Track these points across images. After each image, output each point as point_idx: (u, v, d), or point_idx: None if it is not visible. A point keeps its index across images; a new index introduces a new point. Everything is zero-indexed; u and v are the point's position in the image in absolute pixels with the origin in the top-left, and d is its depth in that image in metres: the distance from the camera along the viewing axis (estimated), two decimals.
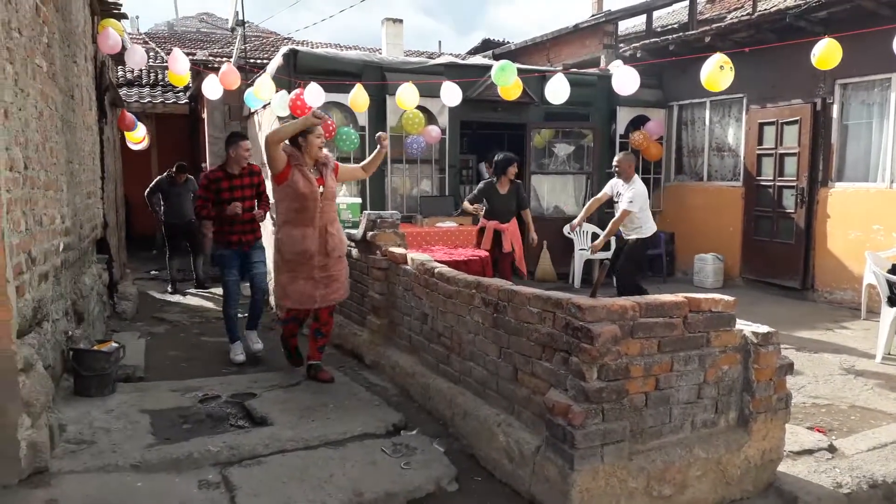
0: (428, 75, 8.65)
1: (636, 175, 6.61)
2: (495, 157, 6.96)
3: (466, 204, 6.96)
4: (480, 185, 6.95)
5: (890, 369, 5.28)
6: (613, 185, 6.70)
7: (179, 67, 7.31)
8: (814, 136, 8.14)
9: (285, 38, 16.71)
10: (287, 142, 4.37)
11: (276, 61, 8.53)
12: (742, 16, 9.95)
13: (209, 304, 8.01)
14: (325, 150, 4.58)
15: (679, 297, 3.08)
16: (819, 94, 8.09)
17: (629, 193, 6.48)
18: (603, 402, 2.84)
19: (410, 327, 4.68)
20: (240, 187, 5.38)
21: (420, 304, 4.50)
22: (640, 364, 2.94)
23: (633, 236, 6.56)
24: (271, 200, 6.24)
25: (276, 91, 7.80)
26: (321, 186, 4.43)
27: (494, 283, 3.71)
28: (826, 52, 5.87)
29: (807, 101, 8.20)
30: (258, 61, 11.89)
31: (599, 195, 6.82)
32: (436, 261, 4.69)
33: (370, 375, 4.87)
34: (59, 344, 4.05)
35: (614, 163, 6.73)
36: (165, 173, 9.10)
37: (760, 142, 8.85)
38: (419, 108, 8.21)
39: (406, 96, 7.62)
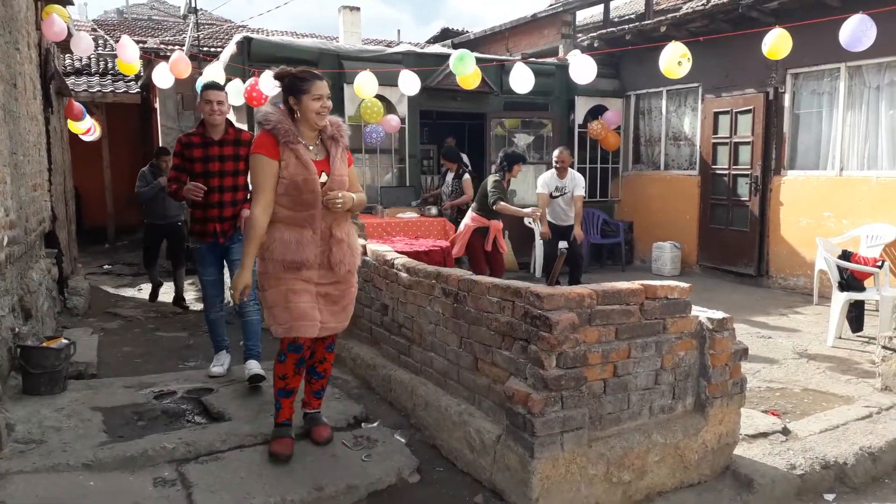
0: (386, 64, 8.58)
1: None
2: (502, 152, 6.79)
3: (508, 206, 6.49)
4: (494, 181, 6.46)
5: (841, 353, 5.44)
6: (549, 182, 6.89)
7: (129, 55, 7.08)
8: (767, 125, 8.32)
9: (239, 26, 16.37)
10: (270, 107, 3.21)
11: (230, 49, 8.35)
12: (697, 6, 10.08)
13: (164, 298, 7.82)
14: (331, 118, 3.25)
15: (636, 284, 3.11)
16: (771, 84, 8.27)
17: (581, 182, 6.85)
18: (562, 389, 2.85)
19: (371, 319, 4.64)
20: (217, 158, 4.24)
21: (380, 295, 4.46)
22: (598, 351, 2.96)
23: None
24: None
25: (230, 79, 7.63)
26: (324, 174, 3.18)
27: (454, 272, 3.69)
28: (777, 43, 6.00)
29: (760, 91, 8.37)
30: (212, 49, 11.61)
31: (543, 194, 6.91)
32: (396, 251, 4.66)
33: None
34: (6, 341, 3.91)
35: (560, 157, 6.85)
36: (148, 164, 7.64)
37: (715, 131, 9.02)
38: (378, 97, 8.13)
39: (364, 85, 7.53)
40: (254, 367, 4.24)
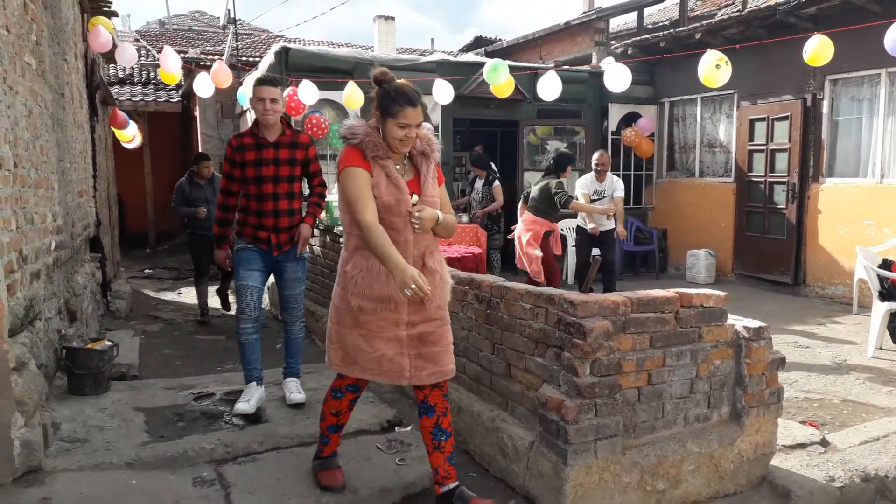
0: (420, 72, 8.66)
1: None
2: (554, 155, 6.89)
3: (583, 204, 6.60)
4: (557, 183, 6.47)
5: (881, 363, 5.32)
6: (589, 185, 6.86)
7: (170, 65, 7.29)
8: (804, 131, 8.19)
9: (277, 36, 16.66)
10: (356, 120, 2.85)
11: (268, 59, 8.51)
12: (732, 12, 10.00)
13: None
14: (423, 131, 2.85)
15: (671, 292, 3.10)
16: (809, 90, 8.14)
17: (620, 185, 6.81)
18: (596, 397, 2.85)
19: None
20: (272, 161, 3.78)
21: None
22: (632, 359, 2.95)
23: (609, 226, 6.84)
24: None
25: None
26: (415, 195, 2.77)
27: (487, 279, 3.72)
28: (818, 49, 5.91)
29: (797, 97, 8.24)
30: (250, 59, 11.86)
31: (586, 194, 6.89)
32: None
33: None
34: (52, 342, 4.04)
35: (600, 160, 6.84)
36: (186, 174, 7.14)
37: (751, 138, 8.90)
38: None
39: None
40: (293, 389, 4.01)
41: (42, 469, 2.99)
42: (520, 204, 7.05)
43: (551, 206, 6.50)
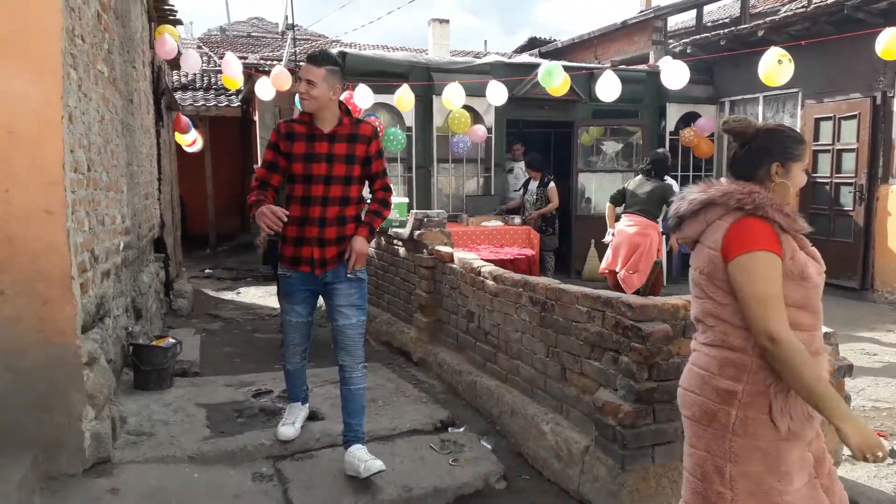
0: (474, 74, 8.67)
1: None
2: (656, 156, 6.47)
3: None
4: (672, 187, 6.34)
5: None
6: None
7: (232, 70, 7.51)
8: (873, 130, 7.86)
9: (334, 41, 16.93)
10: (733, 183, 2.01)
11: None
12: (797, 8, 9.67)
13: (262, 302, 8.18)
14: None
15: None
16: (879, 88, 7.81)
17: (675, 189, 6.49)
18: (654, 402, 2.81)
19: (457, 325, 4.70)
20: (325, 157, 3.10)
21: (466, 302, 4.52)
22: None
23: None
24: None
25: None
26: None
27: (542, 281, 3.70)
28: (891, 43, 5.68)
29: (866, 95, 7.91)
30: None
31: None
32: (482, 259, 4.71)
33: (417, 373, 4.91)
34: (120, 339, 4.21)
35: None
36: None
37: (816, 137, 8.58)
38: (465, 107, 8.25)
39: (452, 96, 7.67)
40: (364, 457, 3.07)
41: (110, 461, 3.12)
42: (608, 205, 6.51)
43: (660, 209, 6.17)
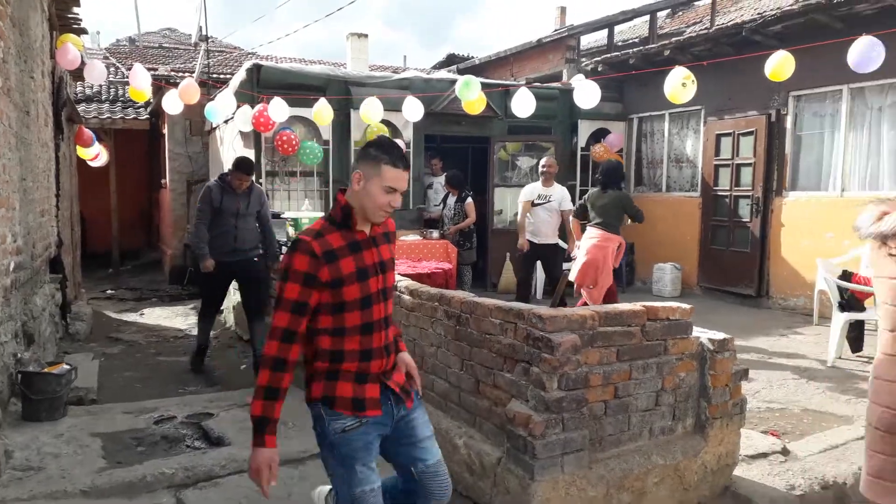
0: (393, 89, 8.68)
1: None
2: (607, 167, 6.50)
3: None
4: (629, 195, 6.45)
5: (840, 373, 5.39)
6: (533, 190, 6.73)
7: (140, 82, 7.21)
8: (769, 146, 8.34)
9: (249, 53, 16.60)
10: None
11: (240, 76, 8.48)
12: (700, 30, 10.19)
13: (167, 324, 7.84)
14: None
15: (637, 305, 3.11)
16: (774, 106, 8.30)
17: (567, 196, 6.76)
18: (563, 411, 2.84)
19: None
20: (377, 268, 2.30)
21: None
22: (599, 373, 2.95)
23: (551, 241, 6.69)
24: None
25: (239, 105, 7.73)
26: None
27: (457, 295, 3.69)
28: (780, 65, 6.05)
29: (762, 113, 8.40)
30: (222, 76, 11.79)
31: (525, 202, 6.79)
32: (399, 274, 4.68)
33: None
34: (7, 367, 3.93)
35: (548, 163, 6.77)
36: (215, 179, 5.72)
37: (717, 153, 9.04)
38: (383, 121, 8.23)
39: (370, 110, 7.63)
40: None
41: None
42: (572, 220, 6.63)
43: (620, 219, 6.28)
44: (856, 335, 5.77)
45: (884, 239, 2.08)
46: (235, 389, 4.87)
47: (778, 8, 8.15)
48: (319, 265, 2.14)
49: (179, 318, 8.05)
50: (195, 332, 6.32)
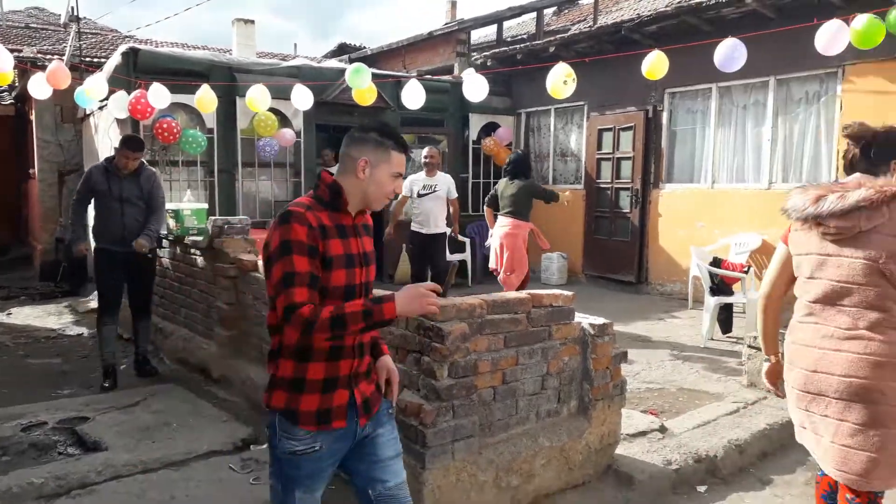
0: (281, 77, 8.44)
1: None
2: (517, 157, 6.78)
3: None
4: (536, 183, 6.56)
5: (712, 353, 5.79)
6: (416, 181, 6.71)
7: (1, 65, 6.60)
8: (646, 141, 8.81)
9: (126, 36, 15.63)
10: None
11: (115, 60, 7.98)
12: (584, 28, 10.58)
13: (38, 323, 7.28)
14: None
15: (523, 293, 3.20)
16: (651, 103, 8.77)
17: (452, 183, 6.79)
18: (453, 399, 2.89)
19: (262, 337, 4.52)
20: (361, 259, 2.08)
21: None
22: (487, 359, 3.01)
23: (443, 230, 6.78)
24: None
25: (113, 91, 7.27)
26: None
27: None
28: (655, 64, 6.38)
29: (640, 109, 8.85)
30: (95, 60, 11.02)
31: (405, 196, 6.78)
32: None
33: (219, 391, 4.65)
34: None
35: (430, 153, 6.74)
36: (104, 160, 5.25)
37: (599, 147, 9.45)
38: (272, 110, 7.99)
39: (257, 98, 7.38)
40: None
41: None
42: (486, 209, 6.88)
43: (529, 207, 6.53)
44: (725, 317, 6.20)
45: (821, 219, 2.27)
46: (111, 392, 4.60)
47: (654, 10, 8.60)
48: (316, 237, 1.92)
49: (52, 318, 7.50)
50: (69, 331, 5.89)
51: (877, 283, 2.17)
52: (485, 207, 6.95)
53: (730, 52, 5.91)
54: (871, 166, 2.34)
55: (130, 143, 4.97)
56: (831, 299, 2.26)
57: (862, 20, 5.54)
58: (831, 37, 5.57)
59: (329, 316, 1.83)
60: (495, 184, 10.56)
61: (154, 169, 5.39)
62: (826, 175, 7.10)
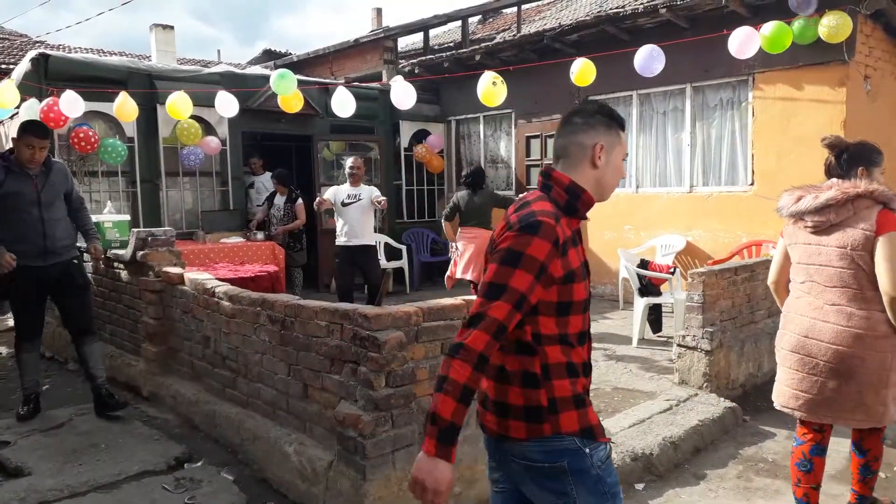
0: (203, 84, 8.23)
1: None
2: (475, 169, 6.77)
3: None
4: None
5: (644, 353, 5.99)
6: (339, 191, 6.50)
7: None
8: None
9: (37, 42, 14.87)
10: None
11: (24, 66, 7.58)
12: (508, 36, 10.77)
13: None
14: None
15: (458, 300, 3.23)
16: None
17: (377, 190, 6.64)
18: (392, 408, 2.88)
19: (192, 352, 4.39)
20: (584, 268, 1.91)
21: (201, 326, 4.24)
22: (425, 367, 3.02)
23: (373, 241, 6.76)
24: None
25: (24, 99, 6.91)
26: None
27: (280, 298, 3.61)
28: (582, 71, 6.59)
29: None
30: (2, 66, 10.46)
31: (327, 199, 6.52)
32: (218, 279, 4.46)
33: (149, 408, 4.47)
34: None
35: (355, 163, 6.53)
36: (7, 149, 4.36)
37: (528, 153, 9.64)
38: (195, 117, 7.78)
39: (178, 105, 7.18)
40: None
41: None
42: (445, 223, 6.71)
43: (491, 215, 6.56)
44: (655, 317, 6.39)
45: (801, 215, 2.79)
46: (37, 415, 4.35)
47: (575, 19, 8.84)
48: (555, 257, 1.72)
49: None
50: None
51: (849, 266, 2.68)
52: (443, 222, 6.75)
53: (648, 57, 6.17)
54: (843, 172, 2.85)
55: (34, 129, 4.16)
56: (817, 280, 2.78)
57: (770, 26, 5.91)
58: (744, 39, 5.92)
59: (471, 366, 1.62)
60: (430, 192, 10.71)
61: (62, 162, 4.74)
62: (742, 178, 7.47)
